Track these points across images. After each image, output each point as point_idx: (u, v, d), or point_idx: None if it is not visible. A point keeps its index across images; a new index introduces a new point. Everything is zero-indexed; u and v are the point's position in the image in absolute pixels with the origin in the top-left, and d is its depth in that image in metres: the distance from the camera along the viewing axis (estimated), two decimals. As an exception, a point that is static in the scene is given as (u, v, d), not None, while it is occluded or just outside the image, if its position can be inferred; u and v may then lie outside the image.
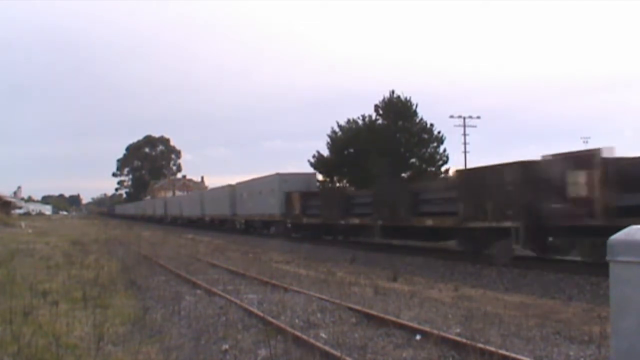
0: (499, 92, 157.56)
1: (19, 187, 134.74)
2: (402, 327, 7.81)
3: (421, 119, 46.09)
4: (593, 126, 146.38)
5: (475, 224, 15.77)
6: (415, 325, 7.85)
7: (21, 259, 18.02)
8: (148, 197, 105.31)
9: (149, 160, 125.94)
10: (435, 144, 44.14)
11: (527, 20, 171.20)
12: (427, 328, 7.59)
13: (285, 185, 30.58)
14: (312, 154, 46.03)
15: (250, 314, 9.05)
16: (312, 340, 6.95)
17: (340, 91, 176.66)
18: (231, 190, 41.14)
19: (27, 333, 7.20)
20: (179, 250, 23.04)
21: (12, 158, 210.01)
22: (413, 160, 42.28)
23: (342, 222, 23.53)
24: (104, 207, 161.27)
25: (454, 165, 45.18)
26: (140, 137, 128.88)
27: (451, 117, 53.53)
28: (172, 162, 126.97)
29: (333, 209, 24.16)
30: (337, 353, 6.29)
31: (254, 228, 36.44)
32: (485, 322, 8.22)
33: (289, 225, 30.08)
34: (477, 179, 16.24)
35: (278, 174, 31.49)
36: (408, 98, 46.19)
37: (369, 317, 8.55)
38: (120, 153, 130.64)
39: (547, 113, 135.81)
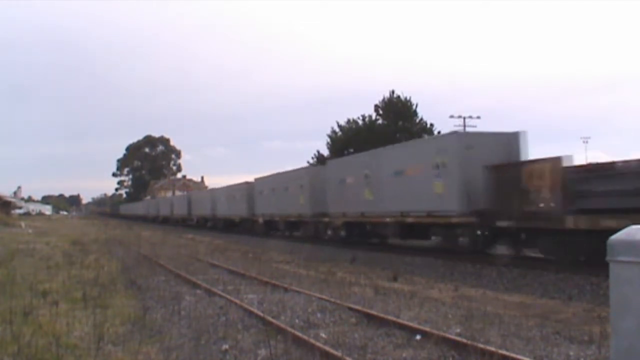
0: (499, 92, 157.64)
1: (19, 187, 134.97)
2: (402, 327, 7.81)
3: (421, 119, 46.24)
4: (593, 126, 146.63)
5: None
6: (415, 325, 7.84)
7: (21, 259, 18.01)
8: (148, 197, 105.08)
9: (149, 160, 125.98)
10: (435, 144, 44.11)
11: (528, 20, 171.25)
12: (427, 328, 7.59)
13: (471, 154, 16.15)
14: (312, 154, 46.14)
15: (250, 314, 9.04)
16: (312, 340, 6.94)
17: (340, 91, 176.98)
18: (314, 174, 27.10)
19: (27, 333, 7.21)
20: (179, 251, 23.04)
21: (12, 158, 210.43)
22: (413, 160, 42.34)
23: None
24: (106, 207, 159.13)
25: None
26: (140, 137, 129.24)
27: (451, 117, 53.43)
28: (172, 162, 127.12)
29: None
30: (337, 353, 6.29)
31: (380, 237, 22.36)
32: (485, 322, 8.22)
33: (483, 232, 16.07)
34: None
35: (456, 133, 18.89)
36: (408, 98, 46.33)
37: (369, 317, 8.55)
38: (120, 153, 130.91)
39: (547, 113, 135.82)
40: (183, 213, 55.86)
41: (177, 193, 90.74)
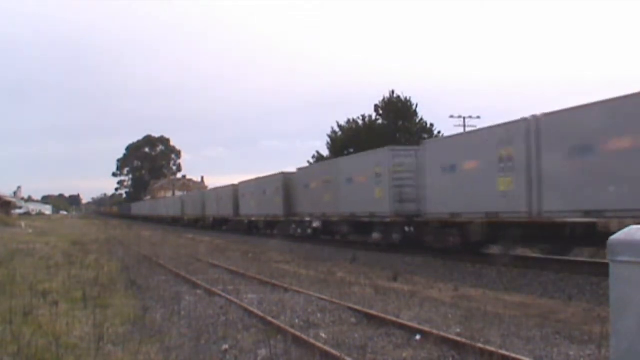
0: (500, 93, 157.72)
1: (19, 187, 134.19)
2: (402, 327, 7.81)
3: (421, 119, 46.32)
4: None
5: None
6: (415, 325, 7.85)
7: (21, 259, 18.01)
8: (148, 197, 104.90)
9: (149, 160, 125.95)
10: (435, 144, 44.16)
11: (530, 22, 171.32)
12: (427, 328, 7.59)
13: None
14: (312, 154, 46.14)
15: (250, 314, 9.05)
16: (312, 340, 6.94)
17: (340, 91, 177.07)
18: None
19: (27, 333, 7.21)
20: (179, 251, 23.03)
21: (12, 158, 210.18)
22: (413, 160, 42.36)
23: None
24: (108, 206, 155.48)
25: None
26: (140, 137, 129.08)
27: (451, 117, 53.45)
28: (172, 162, 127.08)
29: None
30: (337, 353, 6.29)
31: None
32: (485, 322, 8.22)
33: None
34: None
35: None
36: (408, 98, 46.38)
37: (369, 317, 8.55)
38: (120, 153, 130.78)
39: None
40: (273, 212, 30.98)
41: (177, 193, 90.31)
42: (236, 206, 38.82)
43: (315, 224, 26.00)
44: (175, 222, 58.73)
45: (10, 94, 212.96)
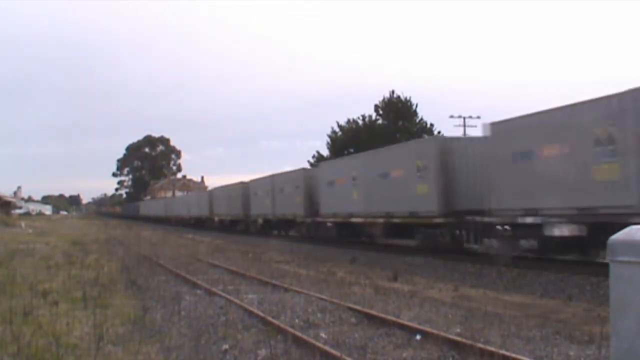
0: (500, 93, 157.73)
1: (19, 187, 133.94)
2: (402, 327, 7.81)
3: (421, 119, 46.34)
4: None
5: None
6: (415, 325, 7.84)
7: (21, 259, 18.01)
8: (148, 197, 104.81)
9: (149, 160, 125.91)
10: (435, 144, 44.14)
11: (530, 22, 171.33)
12: (427, 328, 7.59)
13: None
14: (312, 154, 46.17)
15: (251, 313, 9.05)
16: (312, 340, 6.94)
17: (341, 92, 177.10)
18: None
19: (27, 333, 7.20)
20: (179, 250, 23.04)
21: (12, 158, 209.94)
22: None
23: None
24: (109, 206, 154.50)
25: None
26: (140, 137, 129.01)
27: (451, 117, 53.43)
28: (172, 162, 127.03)
29: None
30: (337, 353, 6.29)
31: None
32: (485, 322, 8.22)
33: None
34: None
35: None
36: (408, 98, 46.41)
37: (369, 317, 8.55)
38: (120, 153, 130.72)
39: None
40: (405, 209, 19.51)
41: (178, 193, 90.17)
42: (309, 202, 27.68)
43: (559, 231, 13.29)
44: (200, 225, 46.68)
45: (10, 94, 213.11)
